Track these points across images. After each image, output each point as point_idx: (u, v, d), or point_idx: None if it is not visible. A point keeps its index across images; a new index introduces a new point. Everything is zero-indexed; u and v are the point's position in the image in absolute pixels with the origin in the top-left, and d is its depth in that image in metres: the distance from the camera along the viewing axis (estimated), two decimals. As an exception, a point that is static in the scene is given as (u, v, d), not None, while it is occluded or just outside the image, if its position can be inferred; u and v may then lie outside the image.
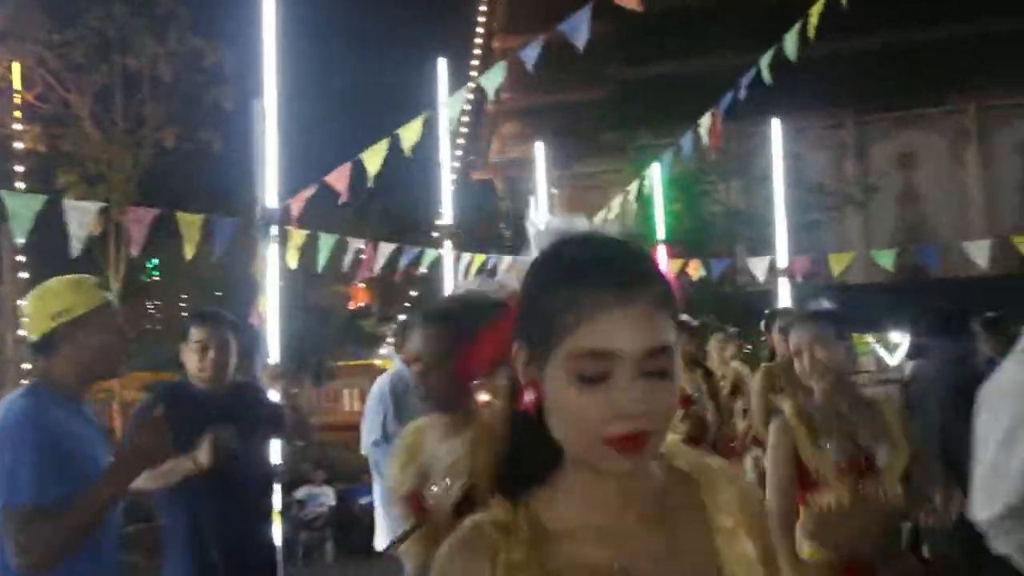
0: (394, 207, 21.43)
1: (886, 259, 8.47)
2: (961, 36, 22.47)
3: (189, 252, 4.77)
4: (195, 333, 3.29)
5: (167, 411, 2.44)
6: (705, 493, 1.17)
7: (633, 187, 8.43)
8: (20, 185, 10.01)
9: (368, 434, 5.00)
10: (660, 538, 1.13)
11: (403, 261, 7.04)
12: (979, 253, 7.75)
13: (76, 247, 4.31)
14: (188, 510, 3.16)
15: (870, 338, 17.07)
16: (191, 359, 3.28)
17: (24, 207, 4.42)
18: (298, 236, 5.44)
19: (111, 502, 2.35)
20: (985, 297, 13.88)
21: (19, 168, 10.56)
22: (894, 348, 16.32)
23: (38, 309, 2.45)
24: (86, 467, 2.36)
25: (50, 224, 4.68)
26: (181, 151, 12.69)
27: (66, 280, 2.46)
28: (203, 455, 2.94)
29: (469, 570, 1.09)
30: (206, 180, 17.12)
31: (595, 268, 1.07)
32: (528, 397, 1.10)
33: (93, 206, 4.64)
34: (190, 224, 4.75)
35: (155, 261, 21.18)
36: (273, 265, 4.81)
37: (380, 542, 4.75)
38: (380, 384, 5.09)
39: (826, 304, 3.07)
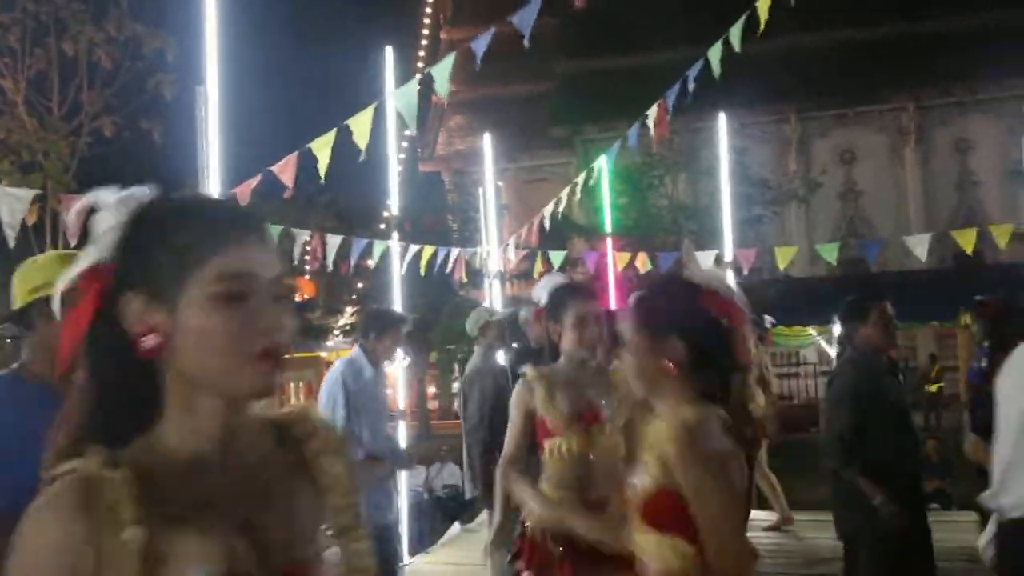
0: (341, 199, 21.20)
1: (829, 253, 8.63)
2: (902, 36, 22.96)
3: (128, 242, 4.63)
4: None
5: None
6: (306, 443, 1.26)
7: (580, 179, 8.44)
8: (-49, 173, 9.68)
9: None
10: (265, 484, 1.19)
11: (353, 253, 6.95)
12: (919, 247, 7.92)
13: (10, 235, 4.14)
14: None
15: (812, 331, 17.37)
16: None
17: (-46, 195, 4.26)
18: (242, 226, 5.32)
19: None
20: (923, 289, 14.28)
21: (-51, 156, 10.22)
22: (836, 341, 16.62)
23: (19, 281, 2.30)
24: (31, 467, 2.17)
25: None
26: (121, 140, 12.36)
27: (56, 255, 2.33)
28: None
29: (59, 527, 1.05)
30: (147, 170, 16.78)
31: (218, 208, 1.21)
32: (150, 342, 1.12)
33: (27, 193, 4.48)
34: (130, 213, 4.62)
35: (94, 253, 20.75)
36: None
37: None
38: (331, 374, 4.99)
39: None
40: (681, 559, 1.87)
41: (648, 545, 1.94)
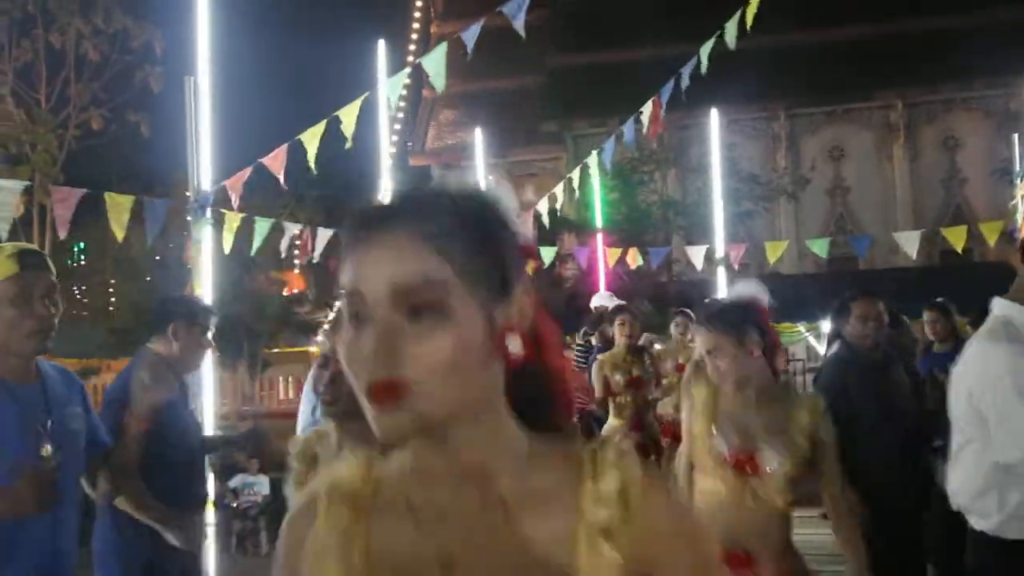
0: (331, 191, 21.16)
1: (820, 247, 8.67)
2: (890, 34, 23.01)
3: (119, 234, 4.59)
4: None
5: None
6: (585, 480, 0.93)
7: (575, 175, 8.43)
8: (-63, 165, 9.60)
9: (301, 420, 4.88)
10: (495, 524, 0.92)
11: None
12: (909, 243, 7.95)
13: (2, 228, 4.09)
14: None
15: (802, 327, 17.42)
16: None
17: (-59, 186, 4.21)
18: (233, 219, 5.29)
19: None
20: (912, 285, 14.33)
21: (-64, 147, 10.15)
22: (825, 337, 16.63)
23: None
24: None
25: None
26: (108, 133, 12.28)
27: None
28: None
29: (295, 540, 0.97)
30: (135, 164, 16.66)
31: (354, 211, 0.95)
32: None
33: (16, 185, 4.44)
34: (119, 205, 4.58)
35: (82, 245, 20.59)
36: (207, 249, 4.67)
37: None
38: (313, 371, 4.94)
39: (741, 293, 2.88)
40: None
41: None
